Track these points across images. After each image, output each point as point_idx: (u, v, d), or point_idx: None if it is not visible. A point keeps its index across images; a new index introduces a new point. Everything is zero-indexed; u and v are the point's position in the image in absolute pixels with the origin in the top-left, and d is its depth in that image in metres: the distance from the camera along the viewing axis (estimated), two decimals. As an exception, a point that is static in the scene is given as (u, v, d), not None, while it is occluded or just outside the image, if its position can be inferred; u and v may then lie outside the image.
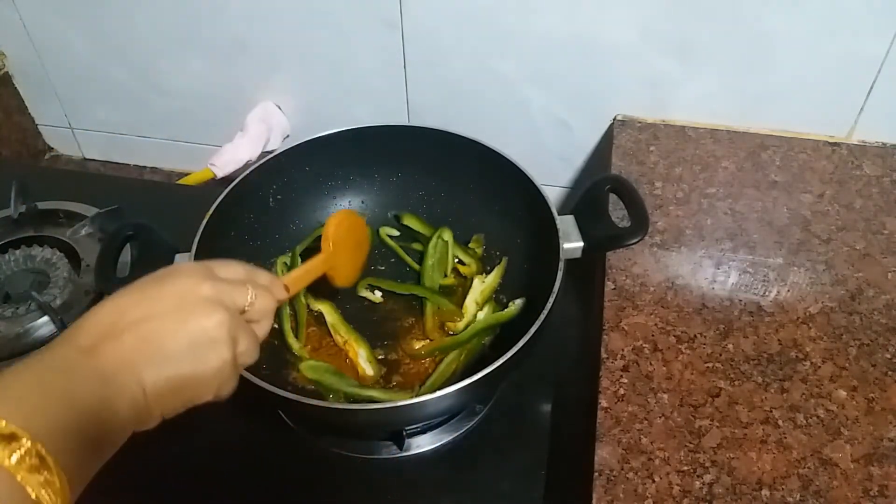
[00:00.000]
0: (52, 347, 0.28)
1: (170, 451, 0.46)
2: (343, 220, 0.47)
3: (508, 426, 0.50)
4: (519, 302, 0.53)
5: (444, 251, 0.58)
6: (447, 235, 0.58)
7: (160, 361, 0.29)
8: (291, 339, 0.53)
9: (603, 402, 0.44)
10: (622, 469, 0.41)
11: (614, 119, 0.66)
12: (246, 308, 0.32)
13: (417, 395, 0.40)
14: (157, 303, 0.30)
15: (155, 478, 0.47)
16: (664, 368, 0.46)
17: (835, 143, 0.62)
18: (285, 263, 0.58)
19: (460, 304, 0.54)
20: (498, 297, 0.55)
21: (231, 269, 0.34)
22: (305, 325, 0.54)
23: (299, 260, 0.57)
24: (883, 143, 0.62)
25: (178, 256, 0.48)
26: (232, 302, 0.32)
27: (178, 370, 0.29)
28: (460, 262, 0.58)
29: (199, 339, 0.30)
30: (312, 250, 0.59)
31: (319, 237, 0.60)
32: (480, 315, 0.53)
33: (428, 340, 0.53)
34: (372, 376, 0.50)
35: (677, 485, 0.40)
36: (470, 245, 0.59)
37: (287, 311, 0.54)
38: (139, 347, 0.28)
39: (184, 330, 0.29)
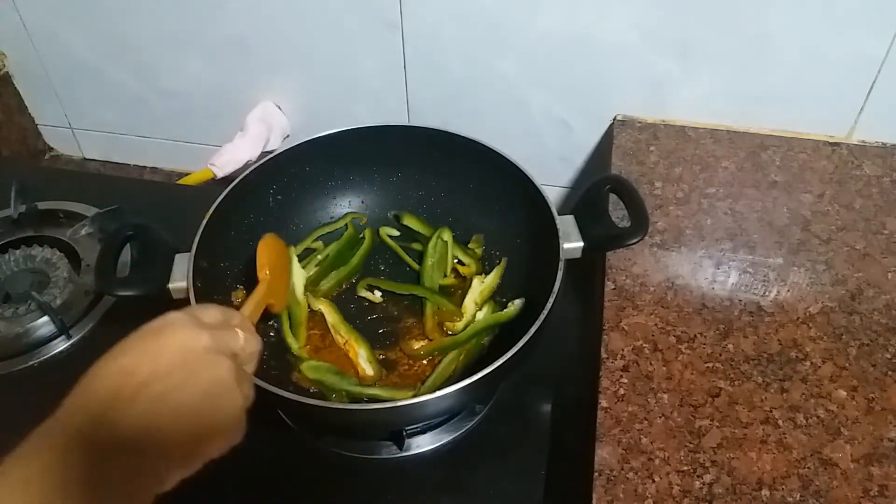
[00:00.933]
0: (60, 420, 0.27)
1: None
2: (273, 245, 0.49)
3: (508, 426, 0.50)
4: (518, 302, 0.53)
5: (443, 251, 0.58)
6: (447, 235, 0.58)
7: (178, 419, 0.28)
8: (290, 339, 0.53)
9: (603, 402, 0.44)
10: (622, 469, 0.41)
11: (614, 119, 0.66)
12: (238, 352, 0.33)
13: (417, 395, 0.40)
14: (161, 358, 0.29)
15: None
16: (664, 368, 0.46)
17: (835, 143, 0.62)
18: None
19: (459, 305, 0.55)
20: (498, 298, 0.55)
21: (211, 313, 0.34)
22: (306, 324, 0.54)
23: (297, 260, 0.57)
24: (883, 143, 0.62)
25: (177, 256, 0.48)
26: (228, 348, 0.32)
27: (196, 424, 0.29)
28: (460, 262, 0.58)
29: (211, 390, 0.30)
30: (311, 251, 0.60)
31: (318, 237, 0.60)
32: (480, 315, 0.53)
33: (427, 340, 0.53)
34: (372, 376, 0.50)
35: (677, 485, 0.40)
36: (470, 245, 0.59)
37: (285, 311, 0.54)
38: (155, 409, 0.28)
39: (196, 383, 0.29)
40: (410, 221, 0.60)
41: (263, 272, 0.46)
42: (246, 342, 0.34)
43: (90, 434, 0.27)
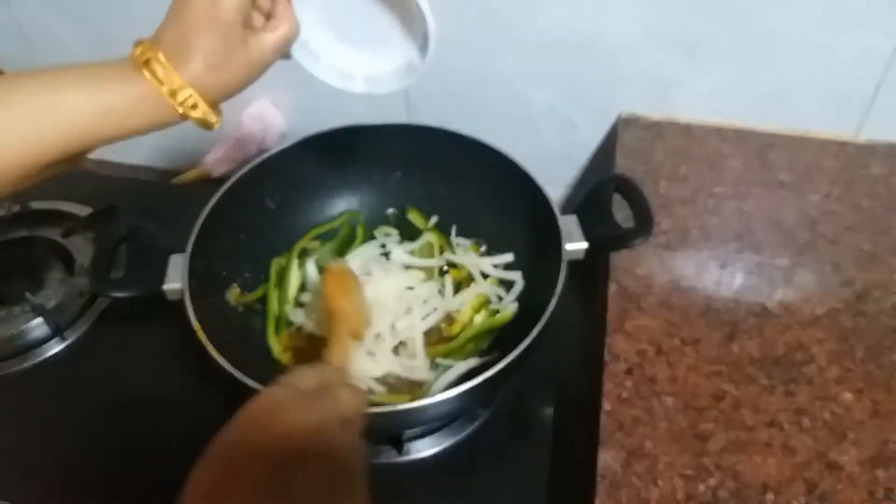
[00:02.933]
0: None
1: (169, 454, 0.45)
2: (340, 277, 0.46)
3: (510, 430, 0.50)
4: (513, 306, 0.52)
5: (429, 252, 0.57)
6: (434, 238, 0.58)
7: None
8: (272, 342, 0.52)
9: (606, 406, 0.43)
10: (625, 473, 0.40)
11: (618, 117, 0.65)
12: (350, 416, 0.32)
13: (416, 399, 0.39)
14: (282, 458, 0.28)
15: (153, 482, 0.46)
16: (668, 371, 0.45)
17: (842, 143, 0.61)
18: (280, 264, 0.57)
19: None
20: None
21: (306, 379, 0.33)
22: (285, 326, 0.53)
23: (297, 261, 0.57)
24: (891, 143, 0.61)
25: (173, 257, 0.48)
26: (337, 415, 0.31)
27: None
28: (452, 265, 0.57)
29: (346, 480, 0.30)
30: (309, 250, 0.59)
31: (317, 236, 0.60)
32: (477, 320, 0.52)
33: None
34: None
35: (681, 489, 0.39)
36: (469, 249, 0.58)
37: (272, 311, 0.53)
38: None
39: (323, 473, 0.29)
40: (414, 217, 0.60)
41: (342, 312, 0.42)
42: (355, 401, 0.32)
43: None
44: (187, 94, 0.35)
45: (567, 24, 0.60)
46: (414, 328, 0.51)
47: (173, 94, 0.35)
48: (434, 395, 0.39)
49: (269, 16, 0.37)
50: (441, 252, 0.58)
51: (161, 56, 0.35)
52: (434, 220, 0.60)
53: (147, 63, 0.35)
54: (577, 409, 0.50)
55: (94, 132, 0.35)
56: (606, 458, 0.41)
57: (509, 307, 0.52)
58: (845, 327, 0.47)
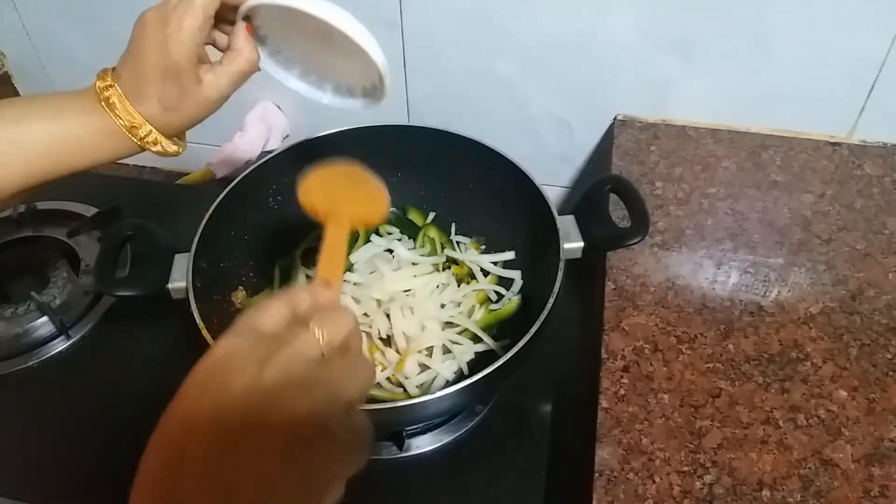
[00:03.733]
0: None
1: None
2: (316, 181, 0.39)
3: (509, 427, 0.50)
4: (515, 298, 0.53)
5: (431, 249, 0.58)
6: (433, 233, 0.59)
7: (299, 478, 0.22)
8: None
9: (603, 403, 0.44)
10: (623, 470, 0.41)
11: (615, 119, 0.66)
12: (324, 351, 0.25)
13: (417, 396, 0.40)
14: (223, 422, 0.22)
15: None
16: (665, 369, 0.45)
17: (836, 143, 0.62)
18: (282, 266, 0.57)
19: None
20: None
21: (269, 315, 0.26)
22: None
23: (299, 262, 0.57)
24: (884, 143, 0.62)
25: (177, 257, 0.48)
26: (304, 361, 0.24)
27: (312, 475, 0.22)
28: (454, 262, 0.58)
29: (304, 433, 0.22)
30: (313, 251, 0.59)
31: (317, 237, 0.60)
32: (477, 315, 0.53)
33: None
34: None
35: (678, 485, 0.40)
36: (470, 246, 0.59)
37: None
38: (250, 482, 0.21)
39: (280, 440, 0.22)
40: (415, 216, 0.60)
41: (323, 211, 0.36)
42: (329, 334, 0.25)
43: None
44: (147, 130, 0.36)
45: (564, 27, 0.61)
46: (430, 319, 0.51)
47: (133, 129, 0.36)
48: (437, 390, 0.40)
49: (227, 47, 0.38)
50: (442, 249, 0.59)
51: (120, 92, 0.36)
52: (432, 216, 0.61)
53: (107, 99, 0.36)
54: (574, 406, 0.50)
55: (58, 163, 0.36)
56: (604, 455, 0.41)
57: (513, 299, 0.53)
58: (840, 326, 0.47)
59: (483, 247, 0.59)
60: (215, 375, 0.24)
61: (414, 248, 0.59)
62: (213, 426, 0.22)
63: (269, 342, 0.24)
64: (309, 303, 0.27)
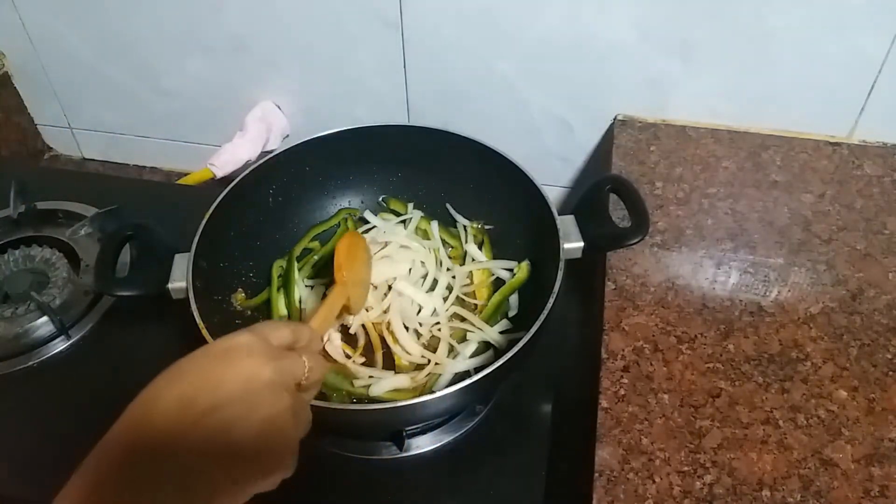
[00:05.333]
0: (110, 449, 0.27)
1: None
2: (353, 243, 0.47)
3: (509, 426, 0.50)
4: (525, 265, 0.54)
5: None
6: (425, 224, 0.59)
7: (232, 453, 0.27)
8: None
9: (603, 403, 0.44)
10: (623, 469, 0.41)
11: (615, 119, 0.66)
12: (303, 381, 0.32)
13: (418, 396, 0.40)
14: (223, 389, 0.28)
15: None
16: (665, 369, 0.46)
17: (835, 143, 0.62)
18: (281, 266, 0.57)
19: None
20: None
21: (278, 333, 0.32)
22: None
23: (296, 263, 0.57)
24: (884, 143, 0.62)
25: (177, 257, 0.48)
26: (293, 378, 0.31)
27: (250, 459, 0.28)
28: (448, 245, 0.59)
29: (268, 427, 0.29)
30: (309, 251, 0.60)
31: (316, 236, 0.60)
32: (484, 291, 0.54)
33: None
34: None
35: (678, 485, 0.40)
36: (469, 230, 0.59)
37: (276, 314, 0.54)
38: (211, 442, 0.27)
39: (253, 419, 0.28)
40: (396, 205, 0.61)
41: (341, 274, 0.43)
42: (310, 371, 0.32)
43: (143, 465, 0.26)
44: None
45: (564, 28, 0.61)
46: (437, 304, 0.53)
47: None
48: (440, 388, 0.40)
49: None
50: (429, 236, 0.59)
51: None
52: (411, 206, 0.61)
53: None
54: (575, 405, 0.50)
55: None
56: (604, 455, 0.41)
57: (521, 265, 0.54)
58: (840, 326, 0.48)
59: (489, 227, 0.59)
60: (223, 359, 0.29)
61: (409, 232, 0.59)
62: (210, 395, 0.28)
63: (275, 349, 0.31)
64: (308, 339, 0.34)
